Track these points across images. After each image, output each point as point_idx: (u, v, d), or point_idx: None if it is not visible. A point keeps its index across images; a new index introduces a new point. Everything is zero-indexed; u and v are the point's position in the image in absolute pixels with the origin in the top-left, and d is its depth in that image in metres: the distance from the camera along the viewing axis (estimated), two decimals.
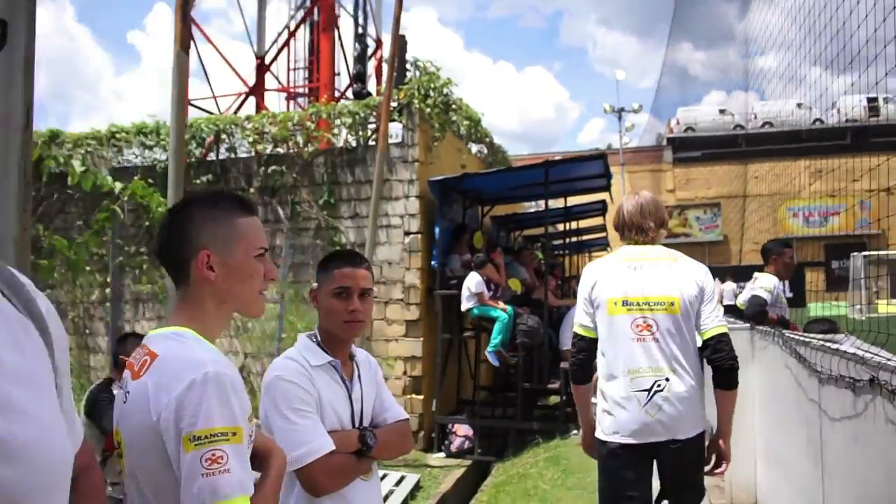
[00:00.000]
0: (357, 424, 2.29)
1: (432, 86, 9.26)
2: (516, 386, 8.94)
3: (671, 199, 34.96)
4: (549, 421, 8.84)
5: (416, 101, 9.10)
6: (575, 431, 8.23)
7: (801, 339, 3.99)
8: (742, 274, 27.31)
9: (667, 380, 3.01)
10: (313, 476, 2.07)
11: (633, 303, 3.07)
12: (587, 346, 3.19)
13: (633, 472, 3.06)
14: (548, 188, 8.76)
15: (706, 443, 3.19)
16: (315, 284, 2.36)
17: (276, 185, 9.65)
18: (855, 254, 26.16)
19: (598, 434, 3.16)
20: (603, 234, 19.08)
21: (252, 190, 9.73)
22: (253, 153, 9.90)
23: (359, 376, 2.38)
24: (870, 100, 33.42)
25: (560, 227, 13.67)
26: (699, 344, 3.14)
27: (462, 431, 8.82)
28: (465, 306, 8.58)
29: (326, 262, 2.38)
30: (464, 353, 9.91)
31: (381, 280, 9.13)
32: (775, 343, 4.67)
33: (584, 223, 16.68)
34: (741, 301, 6.24)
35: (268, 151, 9.83)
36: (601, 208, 13.51)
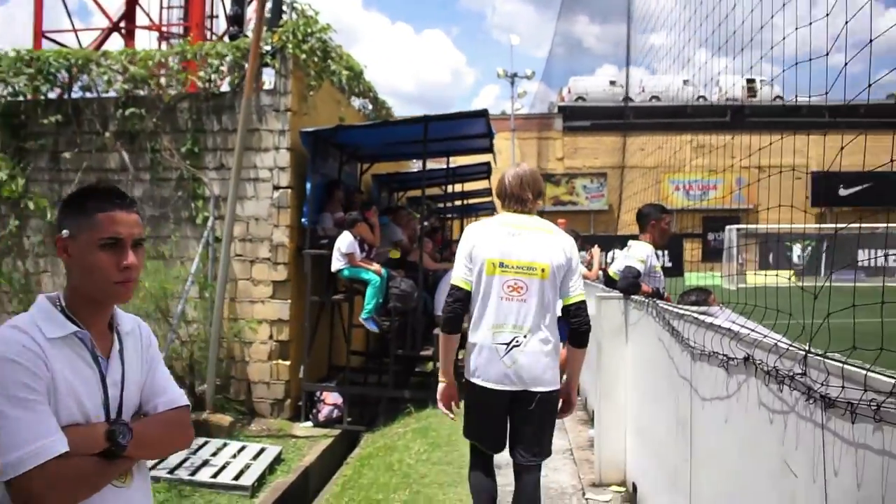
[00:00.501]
0: (114, 415, 1.72)
1: (309, 30, 8.55)
2: (403, 346, 8.57)
3: (559, 168, 35.36)
4: (422, 389, 8.47)
5: (290, 46, 8.37)
6: None
7: (676, 311, 3.70)
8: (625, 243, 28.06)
9: (525, 337, 3.32)
10: (32, 488, 1.47)
11: (509, 265, 3.34)
12: (463, 297, 3.41)
13: (492, 409, 3.42)
14: (426, 145, 8.26)
15: (559, 403, 3.53)
16: (65, 232, 1.73)
17: (135, 129, 8.73)
18: (729, 226, 27.14)
19: (466, 375, 3.45)
20: (489, 199, 18.86)
21: (108, 134, 8.78)
22: (111, 94, 8.92)
23: (120, 352, 1.77)
24: (748, 80, 34.92)
25: (445, 189, 13.23)
26: (560, 308, 3.45)
27: (331, 400, 8.33)
28: (335, 267, 8.04)
29: (82, 200, 1.73)
30: (337, 316, 9.39)
31: (247, 237, 8.45)
32: (649, 315, 4.40)
33: (469, 186, 16.42)
34: (614, 270, 5.98)
35: (127, 92, 8.87)
36: (486, 171, 13.18)
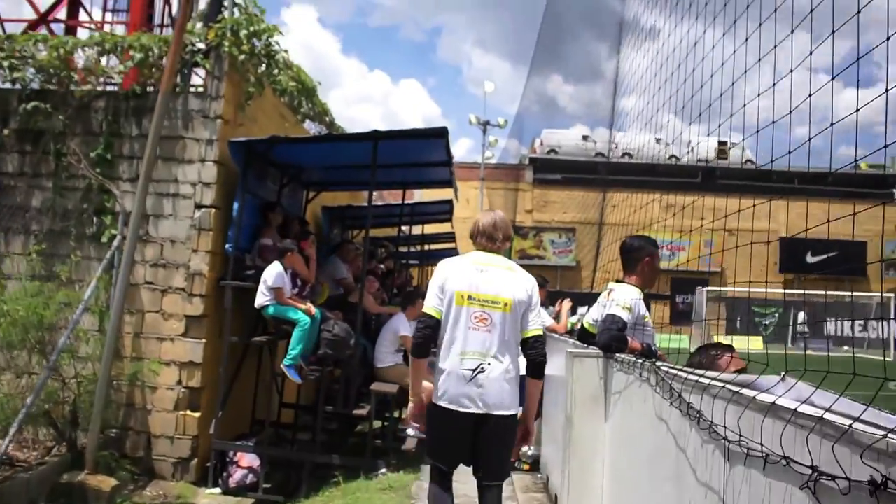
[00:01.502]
0: None
1: (252, 29, 7.38)
2: (335, 403, 7.21)
3: (528, 220, 34.44)
4: (357, 455, 7.09)
5: (226, 45, 7.18)
6: (384, 470, 6.57)
7: (694, 379, 2.44)
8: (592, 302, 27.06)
9: (489, 364, 3.54)
10: None
11: (476, 298, 3.61)
12: (433, 325, 3.63)
13: (455, 432, 3.58)
14: (377, 171, 7.04)
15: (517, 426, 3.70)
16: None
17: (40, 128, 7.40)
18: (700, 288, 26.34)
19: (433, 398, 3.63)
20: (451, 245, 17.75)
21: (7, 132, 7.45)
22: (12, 85, 7.60)
23: None
24: (720, 143, 34.56)
25: (400, 230, 11.97)
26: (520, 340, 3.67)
27: (246, 462, 6.91)
28: (258, 302, 6.72)
29: None
30: (267, 361, 8.00)
31: (160, 262, 7.11)
32: (643, 382, 3.16)
33: (430, 229, 15.35)
34: (589, 320, 4.70)
35: (34, 84, 7.57)
36: (448, 210, 12.01)
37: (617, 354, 3.78)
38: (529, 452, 5.78)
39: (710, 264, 30.79)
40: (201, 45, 7.23)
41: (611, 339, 3.84)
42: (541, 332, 3.69)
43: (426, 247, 17.26)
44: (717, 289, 27.56)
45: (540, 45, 36.51)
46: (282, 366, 6.71)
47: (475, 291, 3.62)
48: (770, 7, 2.90)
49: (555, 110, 38.19)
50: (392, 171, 8.63)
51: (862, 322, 28.26)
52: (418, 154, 7.77)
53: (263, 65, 7.73)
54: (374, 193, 7.71)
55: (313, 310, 6.68)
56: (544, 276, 8.01)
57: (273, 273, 6.60)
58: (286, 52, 8.03)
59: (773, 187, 33.00)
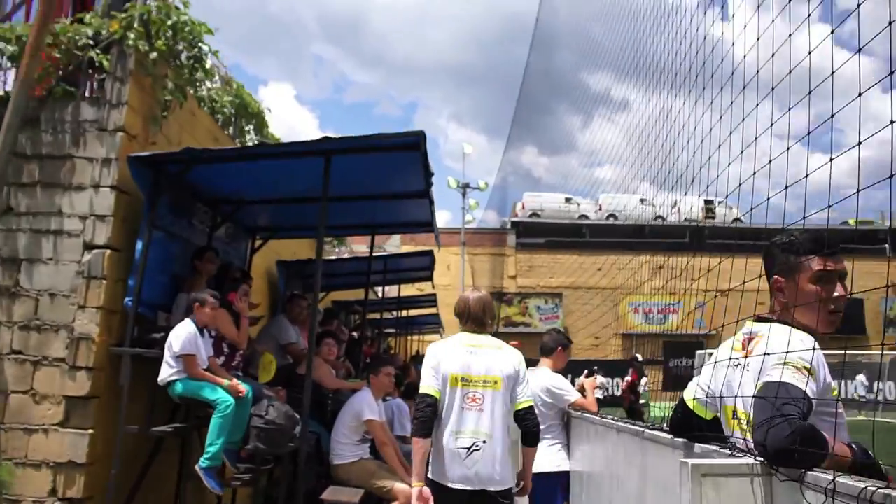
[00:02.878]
0: None
1: (170, 21, 5.63)
2: None
3: (512, 286, 32.64)
4: None
5: (131, 38, 5.41)
6: None
7: None
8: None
9: (484, 442, 3.67)
10: None
11: (468, 379, 3.76)
12: (434, 404, 3.72)
13: None
14: (327, 189, 5.16)
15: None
16: None
17: None
18: (700, 351, 24.18)
19: (429, 474, 3.72)
20: (433, 310, 16.01)
21: None
22: None
23: None
24: (707, 202, 33.38)
25: (368, 291, 10.09)
26: (512, 413, 3.84)
27: None
28: (162, 376, 4.74)
29: None
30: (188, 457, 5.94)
31: (32, 323, 5.14)
32: None
33: (407, 290, 13.69)
34: (696, 394, 2.60)
35: None
36: (428, 265, 10.17)
37: (807, 471, 1.68)
38: None
39: (702, 326, 29.01)
40: (98, 34, 5.44)
41: (794, 439, 1.72)
42: (531, 404, 3.88)
43: (404, 313, 15.48)
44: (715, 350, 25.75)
45: (516, 120, 35.85)
46: (197, 467, 4.67)
47: (467, 373, 3.76)
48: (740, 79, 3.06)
49: (532, 181, 37.24)
50: (356, 210, 6.85)
51: (866, 383, 26.52)
52: (387, 178, 5.94)
53: (186, 71, 5.95)
54: (329, 246, 5.85)
55: (242, 387, 4.70)
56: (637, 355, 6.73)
57: (182, 335, 4.65)
58: (217, 53, 6.23)
59: (762, 245, 31.97)
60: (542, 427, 4.03)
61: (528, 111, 36.43)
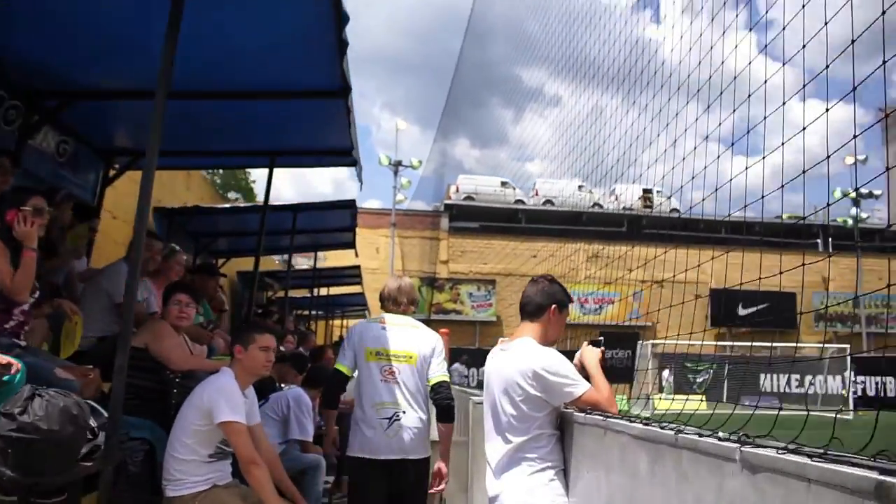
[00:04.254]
0: None
1: None
2: None
3: (444, 272, 31.47)
4: None
5: None
6: None
7: None
8: None
9: (403, 412, 3.88)
10: None
11: (384, 354, 3.96)
12: (343, 379, 4.02)
13: (374, 481, 3.84)
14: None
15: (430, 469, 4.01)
16: None
17: None
18: (642, 342, 23.67)
19: (349, 452, 3.94)
20: (357, 288, 14.83)
21: None
22: None
23: None
24: (645, 190, 32.92)
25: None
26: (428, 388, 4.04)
27: None
28: None
29: None
30: None
31: None
32: None
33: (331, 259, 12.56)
34: None
35: None
36: (350, 222, 8.85)
37: None
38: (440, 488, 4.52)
39: (638, 318, 28.51)
40: None
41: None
42: (446, 378, 4.04)
43: (323, 292, 14.15)
44: (662, 341, 25.19)
45: (448, 111, 35.01)
46: None
47: (384, 347, 3.96)
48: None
49: (461, 172, 36.27)
50: (253, 127, 5.57)
51: (799, 377, 26.44)
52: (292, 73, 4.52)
53: None
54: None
55: (16, 364, 3.14)
56: (601, 336, 4.98)
57: None
58: None
59: (699, 237, 31.59)
60: (521, 439, 2.74)
61: (460, 103, 35.93)
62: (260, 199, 11.98)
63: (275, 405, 5.63)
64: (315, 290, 13.30)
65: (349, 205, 8.22)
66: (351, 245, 10.28)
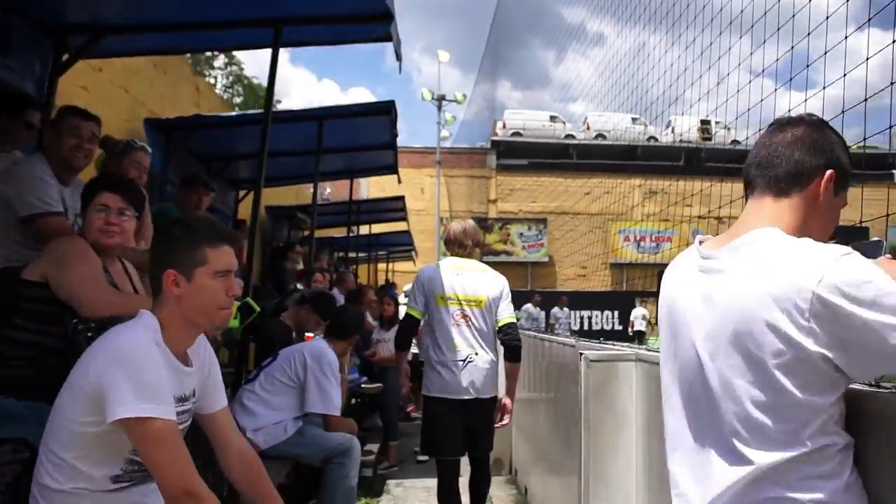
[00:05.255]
0: None
1: None
2: None
3: (492, 211, 30.50)
4: None
5: None
6: None
7: None
8: (581, 299, 23.07)
9: (476, 354, 4.11)
10: None
11: (454, 298, 4.13)
12: (414, 322, 4.24)
13: (449, 418, 4.10)
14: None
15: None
16: None
17: None
18: None
19: (425, 392, 4.19)
20: (403, 227, 14.11)
21: None
22: None
23: None
24: (703, 122, 31.19)
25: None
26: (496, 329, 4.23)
27: None
28: None
29: None
30: None
31: None
32: None
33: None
34: None
35: None
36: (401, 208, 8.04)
37: None
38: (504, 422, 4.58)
39: None
40: None
41: None
42: (513, 320, 4.21)
43: (364, 230, 13.24)
44: None
45: (488, 53, 33.74)
46: None
47: (453, 293, 4.12)
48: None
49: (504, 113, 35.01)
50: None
51: None
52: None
53: None
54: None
55: None
56: None
57: None
58: None
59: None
60: (782, 456, 1.21)
61: (501, 44, 34.62)
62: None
63: (286, 365, 4.25)
64: (355, 229, 11.86)
65: (387, 108, 6.23)
66: (393, 169, 8.31)
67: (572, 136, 32.32)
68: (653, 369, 2.59)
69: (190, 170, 6.36)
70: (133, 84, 6.52)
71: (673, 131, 31.54)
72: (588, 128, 32.27)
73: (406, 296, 5.41)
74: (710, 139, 31.40)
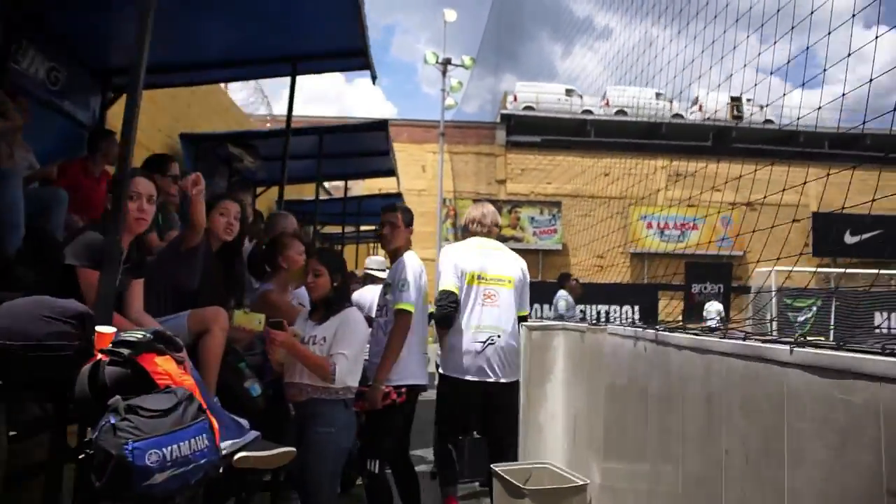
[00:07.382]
0: None
1: None
2: None
3: (501, 193, 28.21)
4: None
5: None
6: None
7: None
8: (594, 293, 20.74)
9: (499, 336, 4.24)
10: None
11: (484, 277, 4.32)
12: (456, 300, 4.26)
13: (464, 399, 4.23)
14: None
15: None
16: None
17: None
18: (761, 269, 19.90)
19: (443, 371, 4.33)
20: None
21: None
22: None
23: None
24: (733, 98, 28.87)
25: None
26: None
27: None
28: None
29: None
30: None
31: None
32: None
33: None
34: None
35: None
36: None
37: None
38: None
39: (730, 247, 24.87)
40: None
41: None
42: (526, 313, 4.47)
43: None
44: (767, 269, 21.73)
45: (487, 42, 31.62)
46: None
47: (483, 271, 4.31)
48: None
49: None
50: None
51: None
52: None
53: None
54: None
55: None
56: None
57: None
58: None
59: (798, 152, 27.55)
60: None
61: (506, 37, 32.46)
62: None
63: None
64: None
65: (380, 126, 8.15)
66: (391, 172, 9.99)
67: (590, 112, 29.97)
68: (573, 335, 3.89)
69: (216, 170, 8.28)
70: (171, 106, 8.01)
71: (700, 108, 29.32)
72: (607, 103, 29.92)
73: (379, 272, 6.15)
74: (740, 118, 29.17)
